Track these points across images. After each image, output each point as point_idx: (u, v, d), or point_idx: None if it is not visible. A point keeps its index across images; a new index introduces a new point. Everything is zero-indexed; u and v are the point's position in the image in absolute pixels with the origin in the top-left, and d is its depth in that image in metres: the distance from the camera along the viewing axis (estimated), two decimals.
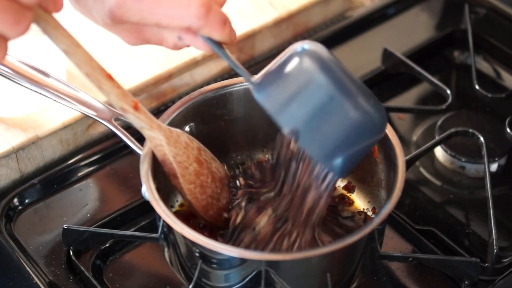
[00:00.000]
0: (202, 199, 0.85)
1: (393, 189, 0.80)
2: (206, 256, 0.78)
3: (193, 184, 0.84)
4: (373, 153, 0.88)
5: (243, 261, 0.77)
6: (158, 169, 0.84)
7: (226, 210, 0.87)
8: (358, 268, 0.81)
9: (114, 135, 0.89)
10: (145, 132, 0.81)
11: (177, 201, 0.92)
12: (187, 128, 0.89)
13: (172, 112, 0.87)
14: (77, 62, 0.72)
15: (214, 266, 0.79)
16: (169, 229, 0.80)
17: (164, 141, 0.81)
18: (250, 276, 0.77)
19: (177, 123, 0.87)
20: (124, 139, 0.88)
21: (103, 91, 0.75)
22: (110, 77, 0.75)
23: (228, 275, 0.79)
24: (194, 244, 0.78)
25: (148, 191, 0.79)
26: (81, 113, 0.91)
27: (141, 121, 0.79)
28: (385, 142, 0.85)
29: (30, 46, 0.97)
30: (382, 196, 0.88)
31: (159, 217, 0.79)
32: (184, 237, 0.76)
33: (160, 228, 0.82)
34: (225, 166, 0.91)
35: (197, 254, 0.79)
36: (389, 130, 0.85)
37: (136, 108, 0.78)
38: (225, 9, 0.80)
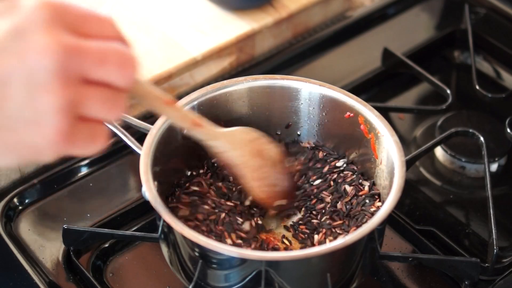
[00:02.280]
0: (269, 191, 0.86)
1: (393, 189, 0.80)
2: (206, 256, 0.78)
3: (257, 179, 0.85)
4: (373, 153, 0.88)
5: (243, 261, 0.77)
6: (158, 168, 0.84)
7: (289, 193, 0.88)
8: (358, 268, 0.81)
9: (114, 135, 0.89)
10: (209, 143, 0.82)
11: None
12: None
13: None
14: (139, 98, 0.69)
15: (214, 266, 0.79)
16: (169, 229, 0.80)
17: (229, 147, 0.83)
18: (250, 276, 0.77)
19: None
20: (124, 139, 0.88)
21: (165, 116, 0.79)
22: (168, 103, 0.73)
23: (228, 275, 0.79)
24: (194, 244, 0.78)
25: (148, 191, 0.79)
26: None
27: (204, 134, 0.81)
28: (385, 142, 0.85)
29: None
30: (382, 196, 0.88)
31: (159, 217, 0.79)
32: (184, 237, 0.76)
33: (160, 228, 0.82)
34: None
35: (197, 254, 0.79)
36: (389, 130, 0.85)
37: (196, 124, 0.79)
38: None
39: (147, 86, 0.70)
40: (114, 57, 0.60)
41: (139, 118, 0.96)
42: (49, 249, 0.93)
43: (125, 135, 0.89)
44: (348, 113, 0.89)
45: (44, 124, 0.58)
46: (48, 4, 0.59)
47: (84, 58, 0.58)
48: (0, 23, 0.58)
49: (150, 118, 0.97)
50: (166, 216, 0.77)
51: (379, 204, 0.87)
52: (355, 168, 0.91)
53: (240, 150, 0.84)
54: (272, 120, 0.94)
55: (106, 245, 0.94)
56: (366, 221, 0.84)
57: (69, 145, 0.60)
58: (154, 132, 0.84)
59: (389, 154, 0.84)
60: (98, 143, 0.62)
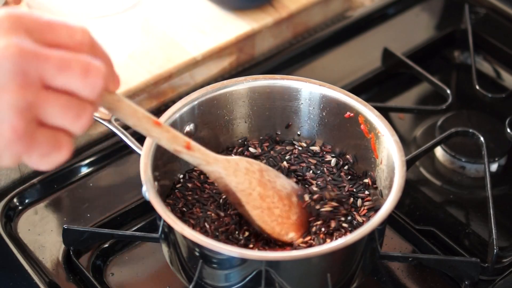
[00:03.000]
0: (271, 220, 0.84)
1: (393, 189, 0.80)
2: (207, 256, 0.78)
3: (259, 208, 0.83)
4: (373, 153, 0.88)
5: (243, 261, 0.76)
6: (158, 168, 0.84)
7: (298, 226, 0.86)
8: (359, 268, 0.81)
9: (114, 135, 0.89)
10: (203, 168, 0.80)
11: None
12: (187, 128, 0.89)
13: (173, 113, 0.87)
14: (123, 116, 0.70)
15: (215, 266, 0.79)
16: (169, 229, 0.80)
17: (224, 173, 0.81)
18: (250, 276, 0.77)
19: (177, 123, 0.87)
20: (124, 139, 0.88)
21: (154, 137, 0.74)
22: (157, 124, 0.73)
23: (229, 275, 0.79)
24: (194, 244, 0.78)
25: (149, 191, 0.79)
26: None
27: (197, 158, 0.79)
28: (385, 142, 0.85)
29: None
30: (383, 196, 0.88)
31: (160, 217, 0.79)
32: (185, 237, 0.76)
33: (160, 228, 0.82)
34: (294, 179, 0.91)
35: (197, 254, 0.78)
36: (389, 130, 0.85)
37: (188, 147, 0.77)
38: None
39: (132, 105, 0.70)
40: (76, 65, 0.60)
41: None
42: (49, 249, 0.93)
43: (125, 135, 0.88)
44: (348, 113, 0.89)
45: (1, 122, 0.59)
46: (11, 14, 0.60)
47: (43, 63, 0.60)
48: None
49: None
50: (166, 216, 0.77)
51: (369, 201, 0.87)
52: (353, 169, 0.91)
53: (236, 177, 0.82)
54: (272, 120, 0.94)
55: (106, 245, 0.94)
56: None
57: (28, 148, 0.60)
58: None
59: (389, 154, 0.84)
60: (60, 153, 0.62)
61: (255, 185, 0.83)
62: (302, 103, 0.92)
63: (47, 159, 0.62)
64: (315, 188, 0.88)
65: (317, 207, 0.86)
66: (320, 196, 0.86)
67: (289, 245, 0.84)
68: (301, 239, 0.84)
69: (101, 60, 0.63)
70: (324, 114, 0.92)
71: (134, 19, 1.16)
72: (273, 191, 0.85)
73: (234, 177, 0.82)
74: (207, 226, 0.84)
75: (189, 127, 0.89)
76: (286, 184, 0.87)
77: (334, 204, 0.86)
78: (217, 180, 0.82)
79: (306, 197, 0.87)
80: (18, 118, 0.59)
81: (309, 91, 0.91)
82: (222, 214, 0.86)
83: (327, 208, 0.86)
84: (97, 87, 0.62)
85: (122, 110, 0.69)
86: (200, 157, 0.79)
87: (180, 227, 0.76)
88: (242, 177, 0.82)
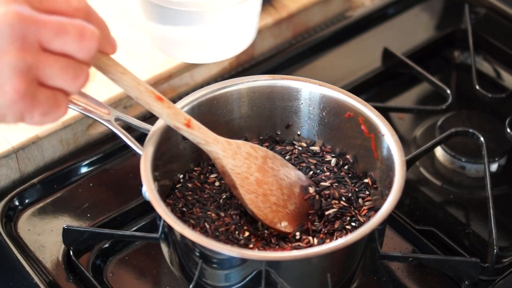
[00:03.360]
0: (265, 207, 0.85)
1: (393, 189, 0.80)
2: (207, 256, 0.78)
3: (254, 193, 0.85)
4: (373, 153, 0.88)
5: (243, 261, 0.77)
6: (158, 168, 0.84)
7: (294, 216, 0.86)
8: (359, 268, 0.81)
9: (114, 135, 0.89)
10: (202, 147, 0.82)
11: None
12: None
13: None
14: (126, 88, 0.75)
15: (215, 266, 0.79)
16: (169, 229, 0.80)
17: (222, 154, 0.83)
18: (250, 276, 0.77)
19: None
20: (124, 139, 0.88)
21: (155, 112, 0.78)
22: (159, 98, 0.77)
23: (229, 275, 0.79)
24: (194, 244, 0.78)
25: (149, 191, 0.79)
26: (81, 113, 0.91)
27: (196, 137, 0.81)
28: (385, 142, 0.85)
29: None
30: (383, 196, 0.88)
31: (160, 217, 0.79)
32: (184, 237, 0.76)
33: (160, 228, 0.82)
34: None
35: (197, 254, 0.78)
36: (389, 130, 0.85)
37: (188, 125, 0.80)
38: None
39: (135, 78, 0.74)
40: (72, 29, 0.65)
41: (139, 118, 0.96)
42: (49, 249, 0.93)
43: (125, 135, 0.88)
44: (348, 113, 0.89)
45: (3, 83, 0.63)
46: None
47: (41, 27, 0.63)
48: None
49: (150, 118, 0.97)
50: (166, 216, 0.77)
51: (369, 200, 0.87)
52: (353, 169, 0.91)
53: (234, 160, 0.83)
54: (272, 120, 0.94)
55: (106, 245, 0.94)
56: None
57: (29, 107, 0.65)
58: (154, 132, 0.84)
59: (389, 154, 0.84)
60: (59, 111, 0.67)
61: (253, 170, 0.85)
62: (302, 103, 0.92)
63: (47, 116, 0.66)
64: (326, 184, 0.88)
65: (324, 204, 0.86)
66: (329, 194, 0.86)
67: (286, 239, 0.85)
68: (297, 232, 0.84)
69: (96, 25, 0.67)
70: (324, 114, 0.92)
71: (134, 19, 1.16)
72: (274, 178, 0.86)
73: (232, 159, 0.83)
74: (207, 226, 0.84)
75: None
76: (293, 174, 0.88)
77: (343, 203, 0.86)
78: (215, 161, 0.83)
79: (311, 189, 0.87)
80: (19, 79, 0.63)
81: (309, 91, 0.91)
82: (222, 214, 0.86)
83: (335, 208, 0.86)
84: (92, 49, 0.66)
85: (125, 82, 0.74)
86: (200, 135, 0.81)
87: (180, 227, 0.76)
88: (241, 160, 0.84)
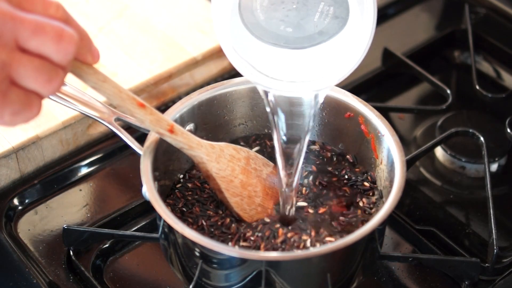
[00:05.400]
0: (251, 209, 0.85)
1: (393, 190, 0.80)
2: (207, 256, 0.78)
3: (239, 196, 0.85)
4: (374, 153, 0.88)
5: (243, 261, 0.76)
6: (158, 168, 0.84)
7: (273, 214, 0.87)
8: (358, 268, 0.81)
9: (114, 135, 0.89)
10: (185, 151, 0.82)
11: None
12: (187, 128, 0.89)
13: (173, 112, 0.87)
14: (107, 96, 0.73)
15: (215, 266, 0.79)
16: (169, 229, 0.80)
17: (205, 158, 0.82)
18: (250, 276, 0.77)
19: (177, 123, 0.87)
20: (124, 139, 0.88)
21: (137, 119, 0.76)
22: (141, 105, 0.76)
23: (229, 275, 0.79)
24: (194, 244, 0.78)
25: (149, 191, 0.79)
26: (81, 113, 0.91)
27: (179, 142, 0.80)
28: (385, 142, 0.85)
29: None
30: (383, 196, 0.88)
31: (160, 217, 0.79)
32: (185, 237, 0.76)
33: (160, 228, 0.82)
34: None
35: (197, 254, 0.78)
36: (389, 130, 0.85)
37: (171, 131, 0.79)
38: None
39: (116, 86, 0.73)
40: (50, 29, 0.62)
41: None
42: (49, 249, 0.93)
43: (125, 135, 0.88)
44: (348, 113, 0.89)
45: None
46: None
47: (19, 25, 0.61)
48: None
49: None
50: (166, 216, 0.77)
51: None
52: (353, 169, 0.91)
53: (218, 164, 0.83)
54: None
55: (106, 245, 0.94)
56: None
57: (1, 106, 0.63)
58: (153, 135, 0.84)
59: (389, 154, 0.84)
60: (31, 112, 0.64)
61: (237, 172, 0.85)
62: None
63: (18, 116, 0.64)
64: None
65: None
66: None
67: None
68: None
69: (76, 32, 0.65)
70: (324, 114, 0.92)
71: (134, 19, 1.16)
72: (257, 179, 0.86)
73: (216, 163, 0.83)
74: (204, 223, 0.84)
75: (189, 127, 0.90)
76: (272, 173, 0.88)
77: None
78: (199, 165, 0.83)
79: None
80: None
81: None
82: (221, 213, 0.86)
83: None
84: (69, 53, 0.64)
85: (107, 90, 0.72)
86: (183, 141, 0.81)
87: (180, 227, 0.76)
88: (225, 163, 0.84)
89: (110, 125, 0.89)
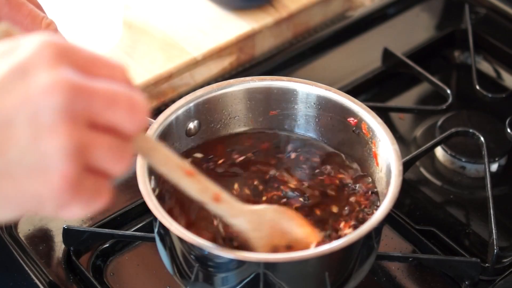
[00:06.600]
0: (272, 252, 0.79)
1: (386, 199, 0.78)
2: (203, 258, 0.77)
3: (266, 247, 0.78)
4: (374, 160, 0.87)
5: (240, 263, 0.76)
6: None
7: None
8: (356, 268, 0.81)
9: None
10: (226, 219, 0.74)
11: None
12: (190, 125, 0.89)
13: (176, 109, 0.87)
14: (155, 164, 0.65)
15: (211, 269, 0.78)
16: (164, 230, 0.79)
17: (246, 227, 0.75)
18: (248, 279, 0.76)
19: (181, 120, 0.87)
20: None
21: (181, 187, 0.69)
22: (189, 174, 0.68)
23: (226, 278, 0.78)
24: (190, 245, 0.77)
25: (144, 193, 0.78)
26: None
27: (222, 211, 0.72)
28: (385, 150, 0.84)
29: None
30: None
31: (155, 218, 0.79)
32: (182, 240, 0.76)
33: (156, 229, 0.82)
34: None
35: (193, 257, 0.78)
36: (390, 138, 0.84)
37: (217, 199, 0.71)
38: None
39: (166, 154, 0.65)
40: (123, 99, 0.55)
41: None
42: (49, 249, 0.93)
43: None
44: (350, 119, 0.88)
45: (49, 169, 0.52)
46: (53, 42, 0.54)
47: (92, 98, 0.54)
48: (2, 62, 0.53)
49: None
50: (162, 217, 0.76)
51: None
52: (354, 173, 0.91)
53: (259, 232, 0.76)
54: (272, 121, 0.94)
55: (106, 245, 0.94)
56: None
57: (74, 198, 0.54)
58: (155, 129, 0.84)
59: (387, 163, 0.83)
60: (101, 200, 0.57)
61: (274, 235, 0.78)
62: (301, 105, 0.92)
63: (87, 208, 0.56)
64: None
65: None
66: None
67: None
68: None
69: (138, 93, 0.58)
70: (324, 117, 0.91)
71: (134, 19, 1.16)
72: (289, 236, 0.79)
73: (258, 232, 0.76)
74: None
75: (192, 124, 0.89)
76: (307, 234, 0.81)
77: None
78: (238, 233, 0.77)
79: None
80: (69, 164, 0.52)
81: (308, 93, 0.91)
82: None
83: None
84: (141, 122, 0.56)
85: (155, 158, 0.65)
86: (226, 210, 0.73)
87: (175, 228, 0.75)
88: (266, 231, 0.77)
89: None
